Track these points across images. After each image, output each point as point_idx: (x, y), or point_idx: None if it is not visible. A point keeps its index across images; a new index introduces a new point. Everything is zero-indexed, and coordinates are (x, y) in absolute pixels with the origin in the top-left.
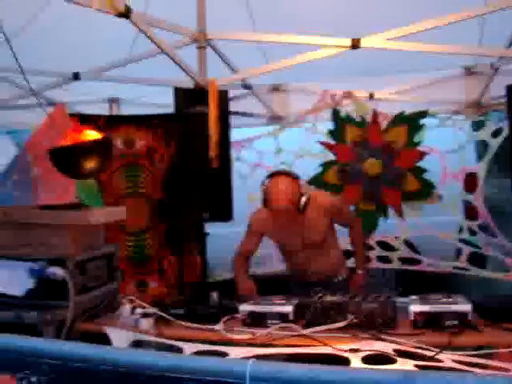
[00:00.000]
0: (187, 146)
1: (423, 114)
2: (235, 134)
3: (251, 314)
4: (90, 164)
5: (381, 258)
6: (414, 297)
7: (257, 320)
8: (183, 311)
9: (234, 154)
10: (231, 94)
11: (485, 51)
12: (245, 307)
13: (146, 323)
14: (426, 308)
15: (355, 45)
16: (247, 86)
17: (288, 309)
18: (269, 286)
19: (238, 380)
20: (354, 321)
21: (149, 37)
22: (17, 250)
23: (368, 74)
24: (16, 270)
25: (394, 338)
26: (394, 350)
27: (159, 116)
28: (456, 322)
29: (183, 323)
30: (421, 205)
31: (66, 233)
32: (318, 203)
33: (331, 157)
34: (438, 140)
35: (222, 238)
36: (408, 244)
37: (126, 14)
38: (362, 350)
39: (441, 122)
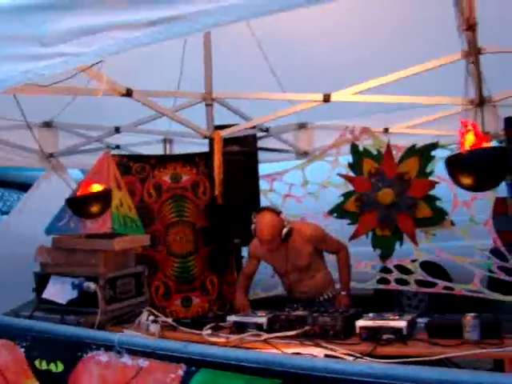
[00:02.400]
0: (226, 179)
1: (434, 146)
2: (269, 168)
3: (235, 323)
4: (93, 208)
5: (398, 281)
6: (370, 314)
7: (239, 328)
8: (190, 320)
9: (267, 185)
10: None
11: (445, 100)
12: (231, 317)
13: (153, 327)
14: (368, 323)
15: (326, 99)
16: (263, 130)
17: (263, 320)
18: (273, 304)
19: None
20: (310, 331)
21: (150, 107)
22: (65, 268)
23: (383, 111)
24: (63, 283)
25: (331, 346)
26: (325, 355)
27: (201, 154)
28: (392, 336)
29: (182, 328)
30: (434, 231)
31: (99, 256)
32: (302, 233)
33: (351, 187)
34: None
35: None
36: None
37: (128, 94)
38: (301, 354)
39: (450, 153)
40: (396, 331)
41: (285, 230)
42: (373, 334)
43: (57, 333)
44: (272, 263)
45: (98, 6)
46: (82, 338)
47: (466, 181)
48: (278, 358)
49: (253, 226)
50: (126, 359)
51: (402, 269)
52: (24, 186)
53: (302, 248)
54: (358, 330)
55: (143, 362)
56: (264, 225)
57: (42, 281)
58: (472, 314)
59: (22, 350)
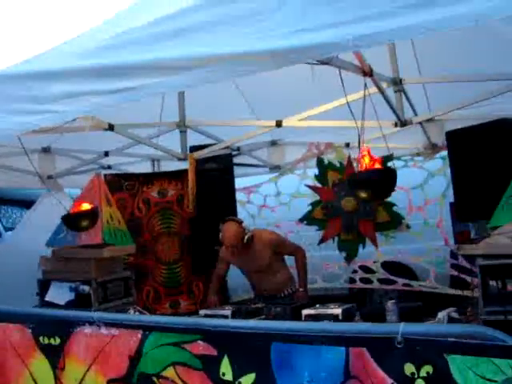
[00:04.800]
0: (205, 193)
1: (389, 158)
2: (245, 182)
3: (205, 315)
4: (83, 223)
5: (363, 280)
6: (317, 305)
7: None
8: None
9: (244, 197)
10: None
11: (373, 124)
12: (202, 311)
13: None
14: (311, 311)
15: (279, 124)
16: (234, 149)
17: (227, 312)
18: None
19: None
20: (265, 319)
21: (131, 138)
22: (63, 274)
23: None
24: (61, 287)
25: None
26: None
27: (184, 171)
28: (330, 321)
29: None
30: (393, 234)
31: (92, 263)
32: (263, 239)
33: (318, 197)
34: (403, 179)
35: None
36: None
37: (110, 128)
38: None
39: (405, 163)
40: (334, 317)
41: (246, 237)
42: (315, 320)
43: (53, 315)
44: (238, 265)
45: (75, 78)
46: (71, 317)
47: (363, 194)
48: (200, 321)
49: (220, 234)
50: (103, 330)
51: (365, 269)
52: (26, 203)
53: (263, 251)
54: (303, 318)
55: (115, 331)
56: (228, 233)
57: (44, 286)
58: (393, 301)
59: (30, 330)
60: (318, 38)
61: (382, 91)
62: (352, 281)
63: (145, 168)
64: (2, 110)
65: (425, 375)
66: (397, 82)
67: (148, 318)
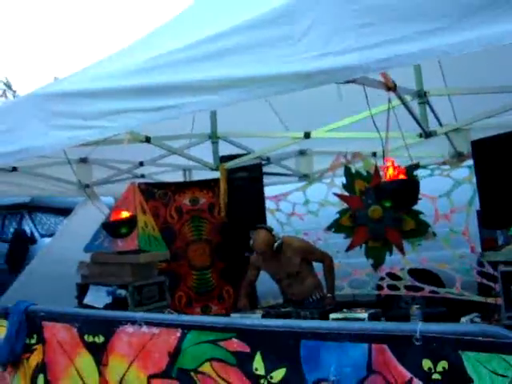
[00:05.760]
0: (236, 201)
1: (416, 167)
2: (275, 190)
3: None
4: (122, 230)
5: (390, 287)
6: (344, 309)
7: None
8: None
9: (274, 205)
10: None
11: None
12: (234, 314)
13: None
14: (338, 315)
15: (307, 136)
16: (263, 159)
17: (258, 316)
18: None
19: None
20: None
21: (166, 149)
22: (101, 279)
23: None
24: (99, 291)
25: None
26: None
27: (216, 179)
28: None
29: None
30: (419, 241)
31: (128, 268)
32: (292, 246)
33: (345, 205)
34: (429, 187)
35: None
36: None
37: (147, 140)
38: None
39: (431, 172)
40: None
41: (275, 244)
42: None
43: (98, 315)
44: (268, 271)
45: (118, 96)
46: (115, 317)
47: (387, 203)
48: (235, 320)
49: (251, 242)
50: (145, 329)
51: (392, 276)
52: (59, 211)
53: (292, 258)
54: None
55: (156, 330)
56: (258, 240)
57: (82, 290)
58: (417, 306)
59: (75, 329)
60: (344, 61)
61: (405, 104)
62: (379, 287)
63: (177, 177)
64: (52, 125)
65: (441, 370)
66: (421, 95)
67: (187, 318)
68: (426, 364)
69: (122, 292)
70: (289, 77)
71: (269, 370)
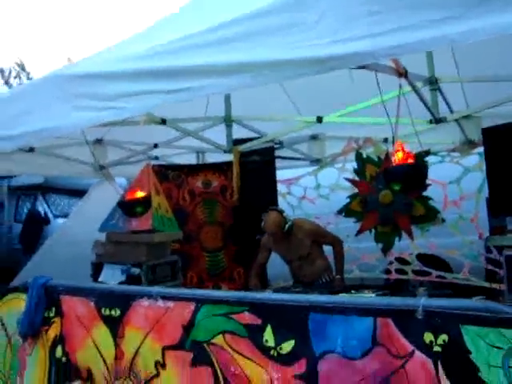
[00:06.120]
0: (248, 184)
1: (426, 153)
2: (286, 174)
3: None
4: (138, 209)
5: (398, 271)
6: (352, 291)
7: None
8: None
9: (285, 189)
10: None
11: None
12: None
13: None
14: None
15: (319, 120)
16: (276, 143)
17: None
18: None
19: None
20: None
21: (181, 131)
22: (116, 257)
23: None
24: (114, 269)
25: None
26: None
27: (229, 162)
28: None
29: None
30: (427, 227)
31: (143, 247)
32: (303, 228)
33: (356, 190)
34: (439, 174)
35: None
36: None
37: (163, 122)
38: None
39: (442, 158)
40: None
41: (286, 226)
42: None
43: (116, 289)
44: (279, 252)
45: (135, 79)
46: (131, 291)
47: (395, 186)
48: (247, 294)
49: (262, 223)
50: (160, 302)
51: (401, 260)
52: (73, 192)
53: (302, 240)
54: None
55: (170, 304)
56: (269, 221)
57: (97, 268)
58: (423, 288)
59: (92, 303)
60: (355, 47)
61: (416, 91)
62: (388, 271)
63: (190, 160)
64: (73, 106)
65: (441, 343)
66: (432, 82)
67: (201, 292)
68: (428, 337)
69: (136, 270)
70: (301, 62)
71: (279, 341)
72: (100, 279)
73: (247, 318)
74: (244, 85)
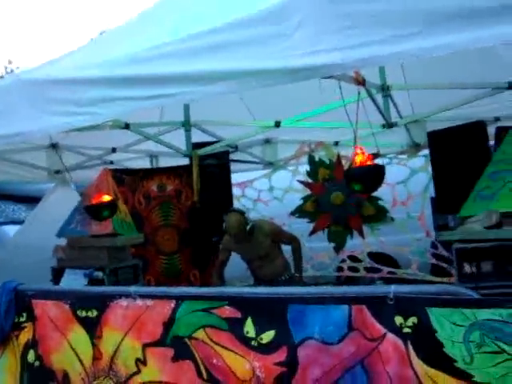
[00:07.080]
0: (204, 188)
1: (375, 156)
2: (241, 177)
3: None
4: (105, 213)
5: (350, 268)
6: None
7: None
8: None
9: (239, 192)
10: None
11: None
12: None
13: None
14: None
15: (277, 125)
16: (232, 147)
17: None
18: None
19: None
20: None
21: (144, 136)
22: (78, 262)
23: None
24: (76, 274)
25: None
26: None
27: (183, 166)
28: None
29: None
30: (378, 226)
31: (104, 251)
32: (263, 229)
33: (309, 192)
34: (388, 175)
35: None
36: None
37: (126, 127)
38: None
39: (390, 160)
40: None
41: (248, 227)
42: None
43: (91, 291)
44: (239, 253)
45: (111, 85)
46: (109, 292)
47: (356, 186)
48: (225, 289)
49: (224, 224)
50: (139, 301)
51: (353, 258)
52: (19, 198)
53: (263, 240)
54: None
55: (150, 302)
56: (232, 222)
57: (57, 274)
58: (381, 281)
59: (67, 305)
60: (327, 59)
61: (372, 97)
62: (340, 269)
63: (144, 164)
64: (44, 111)
65: (411, 325)
66: (385, 89)
67: (180, 289)
68: (398, 320)
69: (100, 274)
70: (277, 71)
71: (259, 332)
72: (61, 284)
73: (228, 311)
74: (222, 91)
